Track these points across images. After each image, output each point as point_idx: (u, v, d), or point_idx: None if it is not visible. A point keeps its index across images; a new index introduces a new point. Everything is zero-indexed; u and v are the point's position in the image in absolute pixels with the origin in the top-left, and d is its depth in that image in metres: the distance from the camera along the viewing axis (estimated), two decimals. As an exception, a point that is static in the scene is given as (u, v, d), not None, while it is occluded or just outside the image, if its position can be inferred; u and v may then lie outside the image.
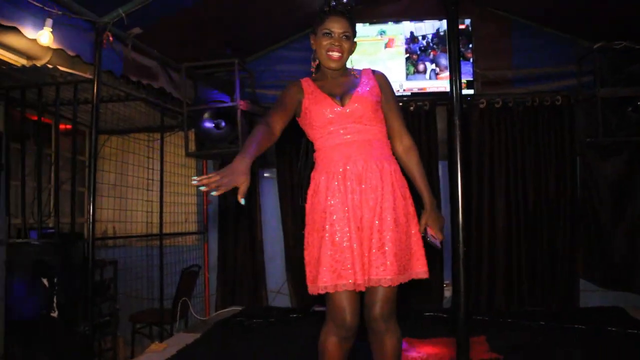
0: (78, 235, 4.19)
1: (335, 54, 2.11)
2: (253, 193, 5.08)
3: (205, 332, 3.99)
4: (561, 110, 4.77)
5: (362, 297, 2.07)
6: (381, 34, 4.94)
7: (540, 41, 4.98)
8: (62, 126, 4.61)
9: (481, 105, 4.82)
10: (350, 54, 2.19)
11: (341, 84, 2.18)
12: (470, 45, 4.90)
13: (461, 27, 4.91)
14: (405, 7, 5.04)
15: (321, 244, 2.01)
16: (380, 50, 4.93)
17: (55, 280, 3.58)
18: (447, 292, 4.85)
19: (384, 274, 1.96)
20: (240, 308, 4.77)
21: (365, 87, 2.16)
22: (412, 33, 4.93)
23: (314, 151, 2.22)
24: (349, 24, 2.13)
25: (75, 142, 4.07)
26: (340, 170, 2.07)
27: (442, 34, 4.91)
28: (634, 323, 3.87)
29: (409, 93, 4.91)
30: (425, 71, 4.92)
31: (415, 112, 4.88)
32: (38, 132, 4.06)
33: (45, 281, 3.57)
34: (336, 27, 2.11)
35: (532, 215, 4.77)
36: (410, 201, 2.15)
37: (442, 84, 4.86)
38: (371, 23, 4.95)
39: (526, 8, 4.86)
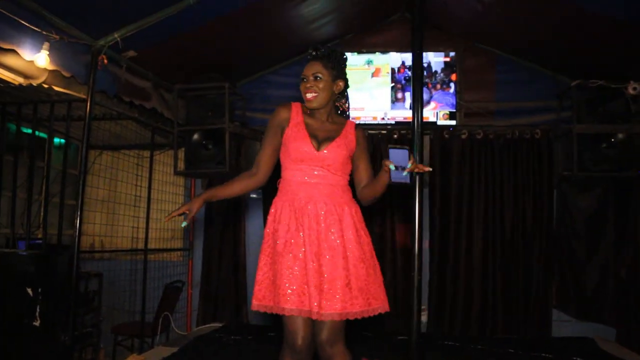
0: (65, 247, 4.29)
1: (309, 95, 2.31)
2: (239, 213, 5.21)
3: (183, 346, 4.08)
4: (540, 144, 4.92)
5: None
6: (368, 64, 5.12)
7: (523, 76, 5.15)
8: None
9: (463, 136, 4.97)
10: (331, 93, 2.35)
11: (326, 129, 2.36)
12: (454, 77, 5.07)
13: (446, 59, 5.09)
14: (393, 39, 5.22)
15: (279, 269, 2.18)
16: (367, 79, 5.11)
17: (40, 290, 3.67)
18: (424, 317, 4.95)
19: (351, 308, 2.12)
20: (220, 324, 4.87)
21: (343, 140, 2.33)
22: (403, 62, 5.10)
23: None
24: (323, 66, 2.31)
25: (67, 157, 4.21)
26: (301, 207, 2.24)
27: (426, 65, 5.08)
28: (600, 354, 3.98)
29: (393, 122, 5.07)
30: (404, 100, 5.08)
31: (399, 141, 5.03)
32: (32, 146, 4.21)
33: (29, 291, 3.67)
34: (308, 71, 2.32)
35: (509, 245, 4.88)
36: (365, 240, 2.31)
37: (426, 114, 5.01)
38: (359, 52, 5.14)
39: (510, 43, 5.04)
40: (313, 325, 2.19)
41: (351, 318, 2.15)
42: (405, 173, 2.05)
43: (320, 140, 2.30)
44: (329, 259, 2.17)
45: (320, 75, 2.30)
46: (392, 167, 2.05)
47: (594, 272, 4.82)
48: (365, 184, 2.36)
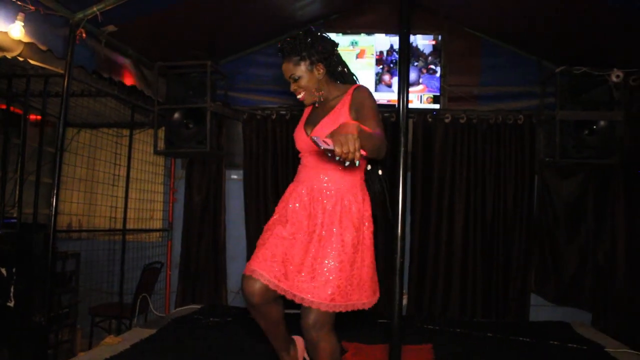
0: (41, 227, 4.22)
1: (298, 96, 2.37)
2: (219, 194, 5.15)
3: (161, 328, 4.04)
4: (523, 129, 4.93)
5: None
6: (353, 45, 5.05)
7: (508, 61, 5.12)
8: (32, 117, 4.65)
9: (446, 120, 4.95)
10: (316, 81, 2.33)
11: (319, 113, 2.37)
12: (439, 61, 5.04)
13: (432, 42, 5.05)
14: (379, 20, 5.16)
15: (268, 239, 2.26)
16: (352, 61, 5.04)
17: (14, 270, 3.61)
18: (405, 300, 4.96)
19: (324, 299, 2.12)
20: (199, 306, 4.83)
21: (331, 117, 2.28)
22: (392, 45, 5.04)
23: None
24: (294, 63, 2.30)
25: (43, 134, 4.11)
26: (303, 188, 2.32)
27: (414, 47, 5.03)
28: (576, 338, 4.03)
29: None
30: (391, 85, 5.03)
31: (383, 123, 5.00)
32: (6, 122, 4.09)
33: (3, 270, 3.60)
34: (285, 73, 2.34)
35: (489, 229, 4.91)
36: (365, 233, 2.28)
37: (410, 98, 4.96)
38: (344, 33, 5.07)
39: (496, 28, 5.00)
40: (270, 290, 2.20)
41: (322, 310, 2.14)
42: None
43: (312, 124, 2.34)
44: (318, 244, 2.20)
45: (295, 74, 2.31)
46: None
47: (573, 257, 4.87)
48: None
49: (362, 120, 2.09)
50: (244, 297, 2.24)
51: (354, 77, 2.48)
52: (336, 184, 2.28)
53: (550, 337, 3.98)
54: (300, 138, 2.38)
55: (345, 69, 2.46)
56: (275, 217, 2.37)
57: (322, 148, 1.66)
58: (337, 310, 2.16)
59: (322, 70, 2.33)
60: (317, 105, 2.41)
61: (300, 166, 2.45)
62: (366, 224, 2.30)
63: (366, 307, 2.27)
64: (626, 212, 4.59)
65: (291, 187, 2.42)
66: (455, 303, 4.88)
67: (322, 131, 2.21)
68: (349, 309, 2.19)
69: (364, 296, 2.26)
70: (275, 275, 2.16)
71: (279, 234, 2.26)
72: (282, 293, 2.17)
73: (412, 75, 5.01)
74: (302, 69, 2.30)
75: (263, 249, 2.23)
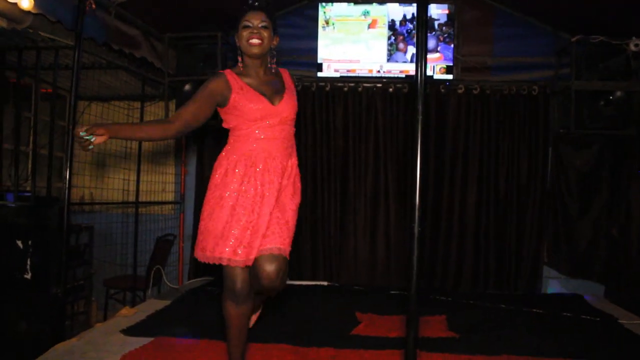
0: (54, 199, 4.23)
1: (255, 41, 2.30)
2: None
3: (175, 299, 4.08)
4: (537, 100, 4.87)
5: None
6: (365, 15, 4.97)
7: (522, 31, 5.05)
8: (42, 90, 4.62)
9: (459, 91, 4.90)
10: (272, 46, 2.37)
11: (267, 82, 2.38)
12: (453, 31, 4.95)
13: (445, 12, 4.96)
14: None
15: (227, 221, 2.24)
16: (364, 31, 4.97)
17: (30, 242, 3.62)
18: (416, 272, 4.97)
19: (279, 243, 2.24)
20: (212, 278, 4.86)
21: (290, 91, 2.40)
22: (404, 15, 4.96)
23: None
24: (267, 16, 2.31)
25: (54, 107, 4.09)
26: (259, 163, 2.29)
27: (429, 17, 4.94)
28: (589, 310, 4.03)
29: (389, 75, 4.96)
30: (405, 51, 4.96)
31: (394, 95, 4.96)
32: (17, 95, 4.07)
33: (19, 243, 3.62)
34: (254, 19, 2.31)
35: (503, 202, 4.89)
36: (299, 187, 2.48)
37: (423, 68, 4.90)
38: (355, 3, 4.98)
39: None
40: (250, 272, 2.27)
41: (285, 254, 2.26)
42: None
43: (269, 95, 2.32)
44: (277, 211, 2.30)
45: (266, 24, 2.31)
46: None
47: (586, 230, 4.85)
48: None
49: None
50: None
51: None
52: (287, 147, 2.39)
53: (563, 309, 3.99)
54: (260, 107, 2.28)
55: (274, 63, 2.48)
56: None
57: None
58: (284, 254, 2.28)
59: (276, 43, 2.40)
60: (250, 76, 2.36)
61: (243, 137, 2.32)
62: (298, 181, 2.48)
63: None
64: (642, 183, 4.55)
65: (233, 158, 2.32)
66: (468, 275, 4.90)
67: (291, 102, 2.36)
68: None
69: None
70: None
71: None
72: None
73: (431, 43, 4.92)
74: (270, 25, 2.33)
75: None
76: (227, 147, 2.36)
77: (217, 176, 2.33)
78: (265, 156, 2.29)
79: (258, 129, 2.29)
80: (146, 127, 2.40)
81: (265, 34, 2.30)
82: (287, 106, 2.33)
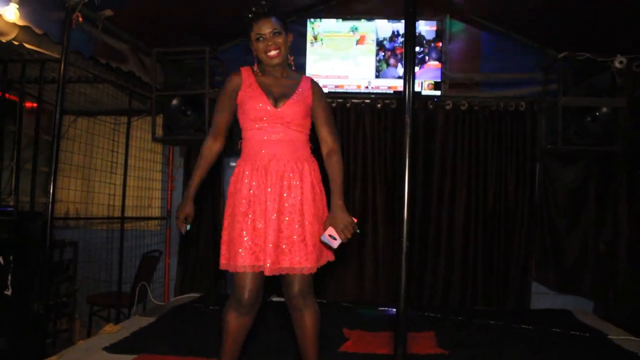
0: (37, 214, 4.16)
1: (273, 52, 2.31)
2: (217, 182, 5.09)
3: (160, 317, 4.01)
4: (524, 116, 4.90)
5: (273, 279, 2.28)
6: (353, 31, 4.98)
7: (509, 47, 5.09)
8: (28, 104, 4.58)
9: (447, 107, 4.91)
10: (288, 45, 2.37)
11: (282, 85, 2.37)
12: (441, 47, 4.98)
13: (433, 28, 4.99)
14: (379, 5, 5.10)
15: (238, 228, 2.23)
16: (352, 47, 4.98)
17: (11, 258, 3.55)
18: (405, 288, 4.93)
19: (306, 263, 2.24)
20: (198, 295, 4.80)
21: (299, 97, 2.34)
22: (393, 32, 4.97)
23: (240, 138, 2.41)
24: (275, 20, 2.31)
25: (39, 121, 4.04)
26: (264, 165, 2.27)
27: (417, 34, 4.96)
28: (578, 325, 4.01)
29: (377, 91, 4.97)
30: (396, 65, 4.96)
31: (382, 110, 4.97)
32: (2, 108, 4.03)
33: (0, 258, 3.55)
34: (265, 28, 2.29)
35: (490, 217, 4.89)
36: (324, 197, 2.40)
37: (411, 84, 4.91)
38: (344, 19, 5.00)
39: (498, 14, 4.95)
40: (261, 283, 2.29)
41: (306, 273, 2.27)
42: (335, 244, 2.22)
43: (276, 97, 2.31)
44: (289, 216, 2.24)
45: (277, 30, 2.31)
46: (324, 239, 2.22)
47: (574, 245, 4.85)
48: (327, 151, 2.39)
49: (321, 124, 2.39)
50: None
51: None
52: (297, 151, 2.35)
53: (552, 324, 3.96)
54: (260, 106, 2.28)
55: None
56: None
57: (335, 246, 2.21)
58: (306, 273, 2.28)
59: (291, 41, 2.39)
60: (268, 76, 2.38)
61: (248, 140, 2.34)
62: (320, 190, 2.42)
63: (330, 259, 2.44)
64: (629, 199, 4.55)
65: (242, 164, 2.33)
66: (455, 290, 4.87)
67: (296, 108, 2.30)
68: (318, 266, 2.34)
69: (327, 253, 2.41)
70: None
71: None
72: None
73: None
74: (282, 28, 2.32)
75: None
76: (241, 153, 2.38)
77: (231, 185, 2.35)
78: (270, 158, 2.27)
79: (261, 129, 2.30)
80: (204, 163, 2.47)
81: (280, 40, 2.30)
82: (289, 111, 2.29)
